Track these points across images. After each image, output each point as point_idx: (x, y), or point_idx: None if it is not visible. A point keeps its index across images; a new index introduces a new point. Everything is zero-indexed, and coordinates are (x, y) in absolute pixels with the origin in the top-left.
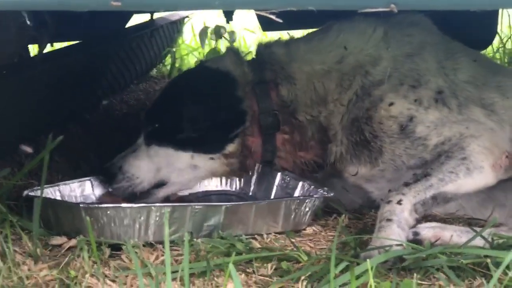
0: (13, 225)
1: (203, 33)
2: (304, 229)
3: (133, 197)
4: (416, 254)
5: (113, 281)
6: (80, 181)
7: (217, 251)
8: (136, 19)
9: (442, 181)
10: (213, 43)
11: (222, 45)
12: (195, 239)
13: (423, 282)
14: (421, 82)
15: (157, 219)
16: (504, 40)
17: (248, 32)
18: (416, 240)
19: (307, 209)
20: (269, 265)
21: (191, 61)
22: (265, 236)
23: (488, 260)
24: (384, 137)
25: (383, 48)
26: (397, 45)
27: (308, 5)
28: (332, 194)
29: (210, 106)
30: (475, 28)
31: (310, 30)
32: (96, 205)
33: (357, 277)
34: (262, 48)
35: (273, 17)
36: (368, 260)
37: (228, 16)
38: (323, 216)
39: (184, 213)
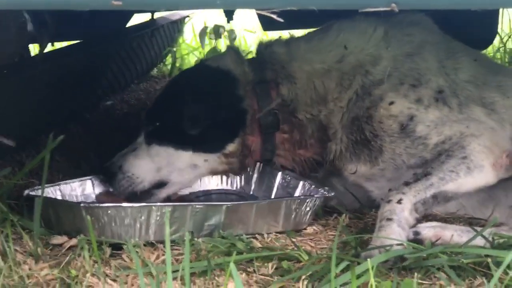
0: (14, 224)
1: (202, 33)
2: (305, 229)
3: (133, 196)
4: (416, 254)
5: (114, 280)
6: (81, 180)
7: (218, 251)
8: (137, 19)
9: (442, 180)
10: (213, 42)
11: (223, 45)
12: (195, 239)
13: (424, 282)
14: (421, 81)
15: (158, 218)
16: (505, 40)
17: (248, 32)
18: (416, 240)
19: (308, 208)
20: (270, 264)
21: (191, 60)
22: (265, 235)
23: (489, 260)
24: (384, 136)
25: (384, 47)
26: (398, 44)
27: (309, 5)
28: (332, 194)
29: (211, 105)
30: (476, 27)
31: (311, 30)
32: (97, 205)
33: (358, 277)
34: (263, 47)
35: (274, 16)
36: (368, 259)
37: (229, 15)
38: (323, 215)
39: (185, 213)
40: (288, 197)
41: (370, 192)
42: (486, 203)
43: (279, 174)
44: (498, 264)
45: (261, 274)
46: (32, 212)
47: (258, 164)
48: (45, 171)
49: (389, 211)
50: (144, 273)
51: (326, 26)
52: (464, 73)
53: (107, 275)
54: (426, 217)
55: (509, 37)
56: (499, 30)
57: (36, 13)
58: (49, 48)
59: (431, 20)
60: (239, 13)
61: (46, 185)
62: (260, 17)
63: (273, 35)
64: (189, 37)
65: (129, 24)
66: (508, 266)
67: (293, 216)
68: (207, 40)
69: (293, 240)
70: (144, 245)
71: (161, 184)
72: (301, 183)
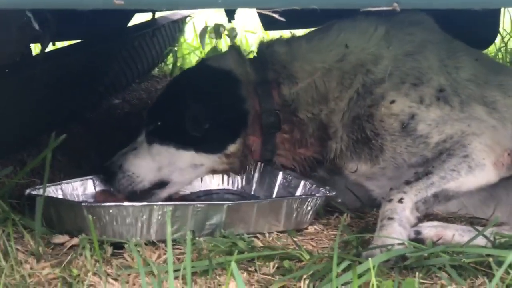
0: (15, 223)
1: (203, 34)
2: (306, 228)
3: (133, 195)
4: (418, 253)
5: (116, 279)
6: (82, 179)
7: (219, 250)
8: (138, 18)
9: (443, 179)
10: (214, 41)
11: (223, 44)
12: (197, 238)
13: (425, 281)
14: (422, 80)
15: (159, 217)
16: (506, 39)
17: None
18: (418, 239)
19: (309, 208)
20: (271, 264)
21: (192, 60)
22: (267, 235)
23: (490, 259)
24: (385, 135)
25: (385, 46)
26: (399, 44)
27: (311, 4)
28: (334, 193)
29: (213, 107)
30: (478, 27)
31: (312, 29)
32: (98, 204)
33: (359, 276)
34: (264, 46)
35: (276, 15)
36: (370, 259)
37: (230, 15)
38: (325, 215)
39: (186, 212)
40: (290, 196)
41: (371, 191)
42: (487, 202)
43: (280, 173)
44: (499, 263)
45: (263, 274)
46: (33, 211)
47: (259, 163)
48: (46, 170)
49: (390, 210)
50: (145, 272)
51: (327, 26)
52: (465, 72)
53: (108, 274)
54: (427, 217)
55: (511, 36)
56: (500, 29)
57: (38, 13)
58: (50, 47)
59: (432, 19)
60: (240, 13)
61: (47, 185)
62: (261, 16)
63: (274, 34)
64: (190, 36)
65: (130, 24)
66: (509, 266)
67: (294, 215)
68: (208, 40)
69: (295, 239)
70: (146, 244)
71: (161, 184)
72: (302, 182)
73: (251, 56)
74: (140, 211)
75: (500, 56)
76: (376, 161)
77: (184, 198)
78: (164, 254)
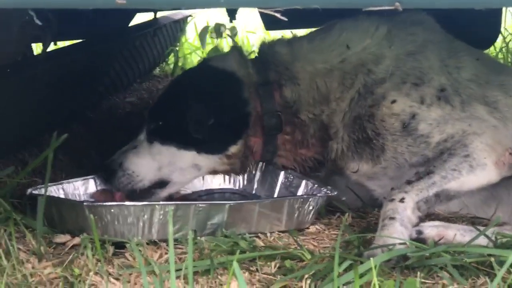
0: (17, 223)
1: (203, 34)
2: (308, 228)
3: (132, 194)
4: (419, 253)
5: (117, 279)
6: (84, 179)
7: (221, 250)
8: (140, 18)
9: (444, 178)
10: (215, 41)
11: (225, 43)
12: (199, 237)
13: (427, 281)
14: (423, 80)
15: (161, 217)
16: (507, 39)
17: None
18: (419, 239)
19: (310, 207)
20: (273, 263)
21: (194, 60)
22: (268, 234)
23: (492, 259)
24: (386, 134)
25: (386, 46)
26: (400, 43)
27: (313, 4)
28: (335, 193)
29: (215, 107)
30: (479, 26)
31: (314, 29)
32: (100, 203)
33: (361, 276)
34: (265, 47)
35: (278, 15)
36: (371, 258)
37: (232, 15)
38: (326, 214)
39: (188, 211)
40: (291, 196)
41: (372, 191)
42: (489, 202)
43: (282, 173)
44: (501, 263)
45: (264, 273)
46: (35, 211)
47: (260, 163)
48: (48, 170)
49: (392, 210)
50: (147, 271)
51: (328, 26)
52: (466, 72)
53: (110, 274)
54: (428, 216)
55: None
56: (502, 29)
57: (39, 12)
58: (51, 47)
59: (433, 19)
60: (241, 12)
61: (49, 184)
62: (263, 16)
63: (275, 34)
64: (191, 36)
65: (132, 23)
66: (511, 265)
67: (296, 215)
68: (209, 40)
69: (296, 239)
70: (147, 243)
71: (161, 183)
72: (304, 182)
73: (252, 56)
74: (141, 210)
75: (501, 57)
76: (377, 161)
77: (186, 197)
78: (166, 253)
